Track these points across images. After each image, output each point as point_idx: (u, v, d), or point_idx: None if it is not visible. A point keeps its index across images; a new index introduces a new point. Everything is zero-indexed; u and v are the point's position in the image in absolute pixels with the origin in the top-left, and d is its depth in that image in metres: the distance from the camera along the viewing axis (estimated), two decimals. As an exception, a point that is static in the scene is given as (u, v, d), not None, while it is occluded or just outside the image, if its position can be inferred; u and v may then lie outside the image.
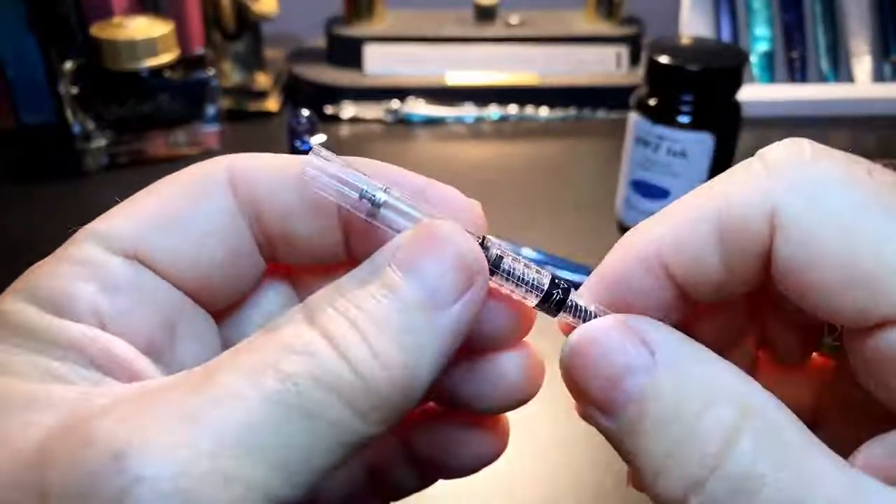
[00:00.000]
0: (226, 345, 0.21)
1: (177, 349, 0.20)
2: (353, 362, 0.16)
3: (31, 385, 0.16)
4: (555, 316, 0.20)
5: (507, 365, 0.21)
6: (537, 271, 0.20)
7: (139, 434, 0.14)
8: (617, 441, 0.18)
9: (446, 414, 0.23)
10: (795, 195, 0.17)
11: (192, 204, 0.19)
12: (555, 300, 0.19)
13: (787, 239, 0.17)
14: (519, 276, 0.19)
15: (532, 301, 0.20)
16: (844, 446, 0.17)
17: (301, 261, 0.21)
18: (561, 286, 0.20)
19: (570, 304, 0.19)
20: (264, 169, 0.20)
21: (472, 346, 0.21)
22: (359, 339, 0.16)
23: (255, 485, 0.15)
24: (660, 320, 0.18)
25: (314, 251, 0.21)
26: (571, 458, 0.37)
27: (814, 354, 0.21)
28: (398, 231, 0.19)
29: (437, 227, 0.18)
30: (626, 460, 0.17)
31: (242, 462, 0.15)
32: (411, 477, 0.23)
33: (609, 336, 0.18)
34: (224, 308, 0.21)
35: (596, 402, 0.18)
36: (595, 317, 0.19)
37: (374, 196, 0.18)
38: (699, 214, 0.18)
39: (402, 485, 0.23)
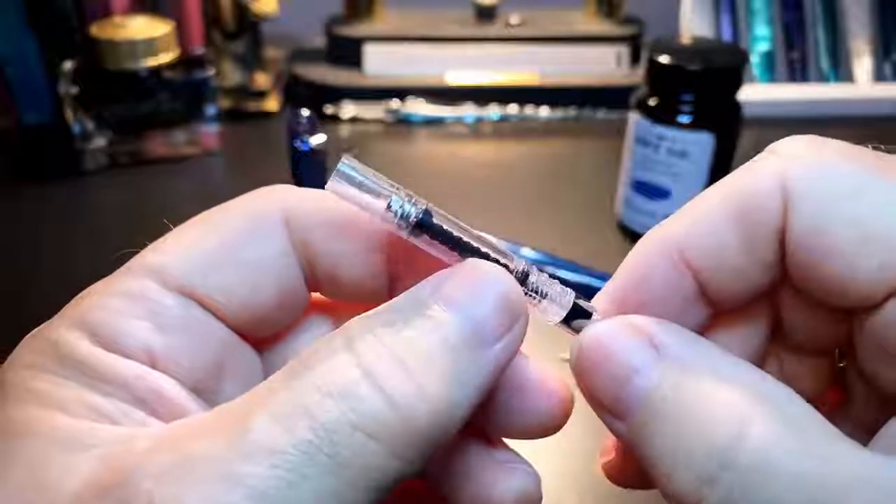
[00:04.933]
0: (267, 376, 0.21)
1: (223, 387, 0.20)
2: (393, 399, 0.16)
3: (77, 422, 0.16)
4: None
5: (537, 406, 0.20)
6: (562, 290, 0.20)
7: (176, 496, 0.15)
8: (631, 444, 0.17)
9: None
10: (806, 170, 0.17)
11: (247, 242, 0.19)
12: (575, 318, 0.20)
13: (800, 210, 0.17)
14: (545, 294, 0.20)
15: (555, 319, 0.20)
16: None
17: (345, 299, 0.21)
18: (583, 306, 0.20)
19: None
20: (320, 212, 0.20)
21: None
22: (401, 371, 0.16)
23: None
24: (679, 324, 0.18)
25: (359, 292, 0.21)
26: (572, 457, 0.37)
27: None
28: (433, 251, 0.19)
29: (482, 266, 0.18)
30: (642, 464, 0.17)
31: None
32: None
33: (614, 336, 0.18)
34: (266, 338, 0.21)
35: (606, 404, 0.18)
36: None
37: (402, 209, 0.18)
38: (717, 202, 0.18)
39: None
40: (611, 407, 0.18)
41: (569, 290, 0.20)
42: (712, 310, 0.20)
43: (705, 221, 0.18)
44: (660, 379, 0.17)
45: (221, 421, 0.16)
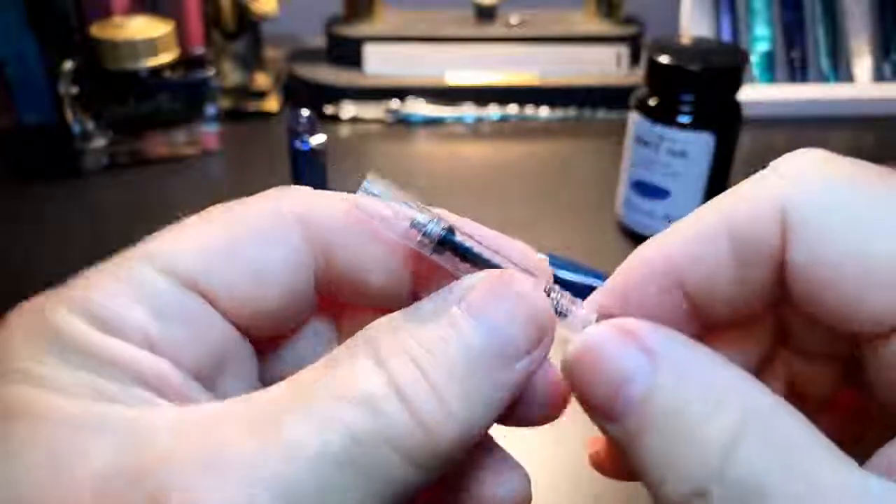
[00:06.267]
0: (262, 377, 0.21)
1: (221, 381, 0.19)
2: (420, 415, 0.16)
3: (84, 404, 0.16)
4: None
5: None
6: (583, 308, 0.20)
7: (204, 491, 0.14)
8: (623, 446, 0.17)
9: None
10: (806, 195, 0.16)
11: (258, 240, 0.19)
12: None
13: (800, 240, 0.16)
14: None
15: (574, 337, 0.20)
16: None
17: (364, 303, 0.21)
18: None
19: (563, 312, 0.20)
20: (337, 214, 0.19)
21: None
22: (428, 389, 0.16)
23: None
24: None
25: (381, 294, 0.20)
26: (569, 454, 0.37)
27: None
28: (457, 269, 0.19)
29: (513, 277, 0.18)
30: (633, 466, 0.17)
31: None
32: None
33: (607, 342, 0.17)
34: (269, 337, 0.21)
35: (598, 409, 0.17)
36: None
37: (425, 227, 0.18)
38: (711, 224, 0.18)
39: None
40: (603, 411, 0.17)
41: (591, 310, 0.20)
42: (705, 327, 0.19)
43: (700, 244, 0.18)
44: (653, 386, 0.16)
45: (252, 418, 0.16)
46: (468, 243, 0.19)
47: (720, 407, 0.16)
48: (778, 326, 0.20)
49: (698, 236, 0.18)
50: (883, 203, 0.16)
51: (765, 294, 0.18)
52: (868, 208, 0.16)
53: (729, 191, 0.18)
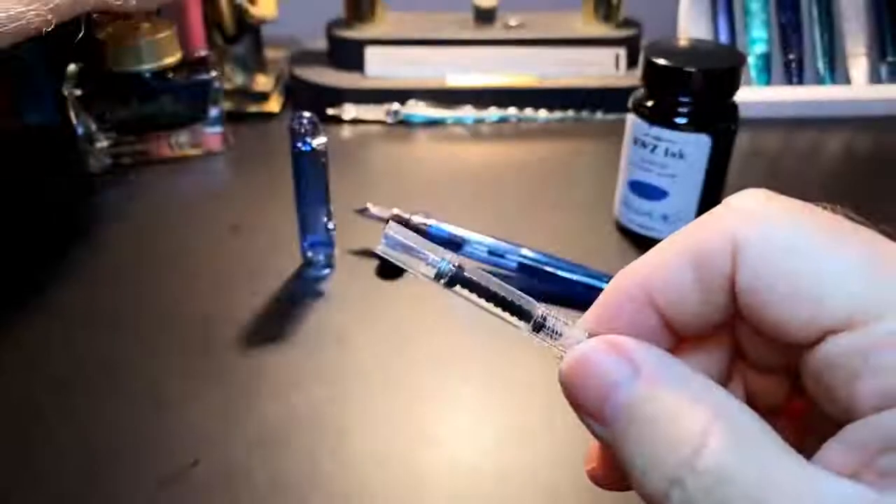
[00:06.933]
0: None
1: None
2: None
3: None
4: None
5: None
6: (576, 330, 0.22)
7: None
8: (611, 446, 0.20)
9: None
10: (750, 227, 0.19)
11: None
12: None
13: (745, 265, 0.19)
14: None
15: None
16: None
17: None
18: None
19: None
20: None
21: None
22: None
23: None
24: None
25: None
26: (568, 458, 0.38)
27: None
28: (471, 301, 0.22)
29: None
30: (620, 464, 0.19)
31: None
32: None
33: (597, 354, 0.20)
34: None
35: (590, 413, 0.20)
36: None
37: (438, 265, 0.22)
38: (677, 252, 0.21)
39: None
40: (595, 415, 0.20)
41: (582, 329, 0.22)
42: (677, 338, 0.22)
43: (666, 269, 0.21)
44: (638, 392, 0.19)
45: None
46: (476, 278, 0.22)
47: (692, 408, 0.18)
48: (734, 343, 0.23)
49: (666, 263, 0.21)
50: (808, 232, 0.19)
51: (724, 311, 0.20)
52: (796, 237, 0.19)
53: (690, 224, 0.21)
